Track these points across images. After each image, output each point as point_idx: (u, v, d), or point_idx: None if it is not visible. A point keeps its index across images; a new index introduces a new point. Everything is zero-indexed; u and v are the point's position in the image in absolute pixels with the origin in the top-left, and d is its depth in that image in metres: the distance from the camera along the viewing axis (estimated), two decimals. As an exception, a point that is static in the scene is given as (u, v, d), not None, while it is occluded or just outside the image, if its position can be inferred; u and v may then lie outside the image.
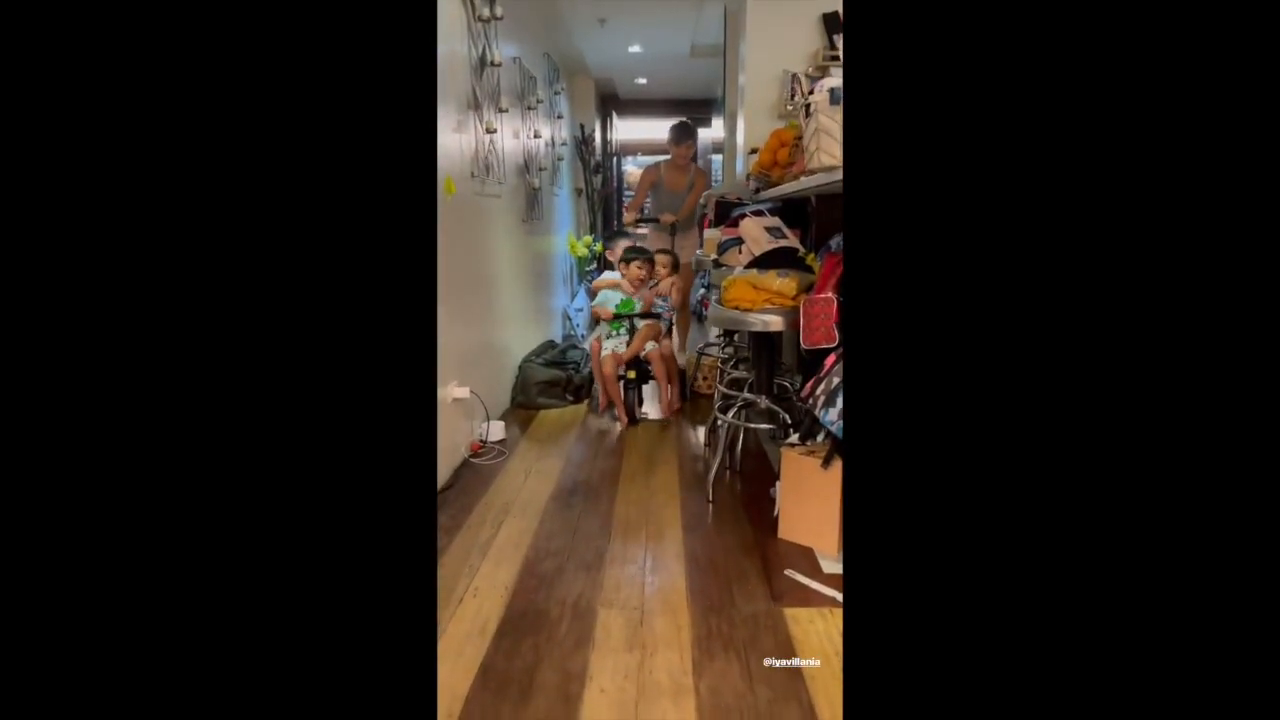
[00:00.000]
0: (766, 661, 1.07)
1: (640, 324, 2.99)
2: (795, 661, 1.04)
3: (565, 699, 1.18)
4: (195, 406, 0.54)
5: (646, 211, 3.92)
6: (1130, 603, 0.52)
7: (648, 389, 3.05)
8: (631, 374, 2.92)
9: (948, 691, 0.55)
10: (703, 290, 4.36)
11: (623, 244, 3.63)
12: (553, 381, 3.06)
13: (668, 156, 3.86)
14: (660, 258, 3.25)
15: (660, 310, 3.18)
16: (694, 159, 3.88)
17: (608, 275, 3.35)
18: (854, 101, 0.61)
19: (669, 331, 3.15)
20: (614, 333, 3.07)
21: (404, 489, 0.58)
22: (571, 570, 1.63)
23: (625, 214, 3.79)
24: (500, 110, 2.86)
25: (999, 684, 0.54)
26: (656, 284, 3.18)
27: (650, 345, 2.96)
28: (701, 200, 3.63)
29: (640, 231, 4.04)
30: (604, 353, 3.00)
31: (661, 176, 3.87)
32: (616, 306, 3.06)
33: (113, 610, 0.52)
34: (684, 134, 3.75)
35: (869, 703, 0.57)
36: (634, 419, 2.90)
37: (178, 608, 0.53)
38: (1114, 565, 0.52)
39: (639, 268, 3.09)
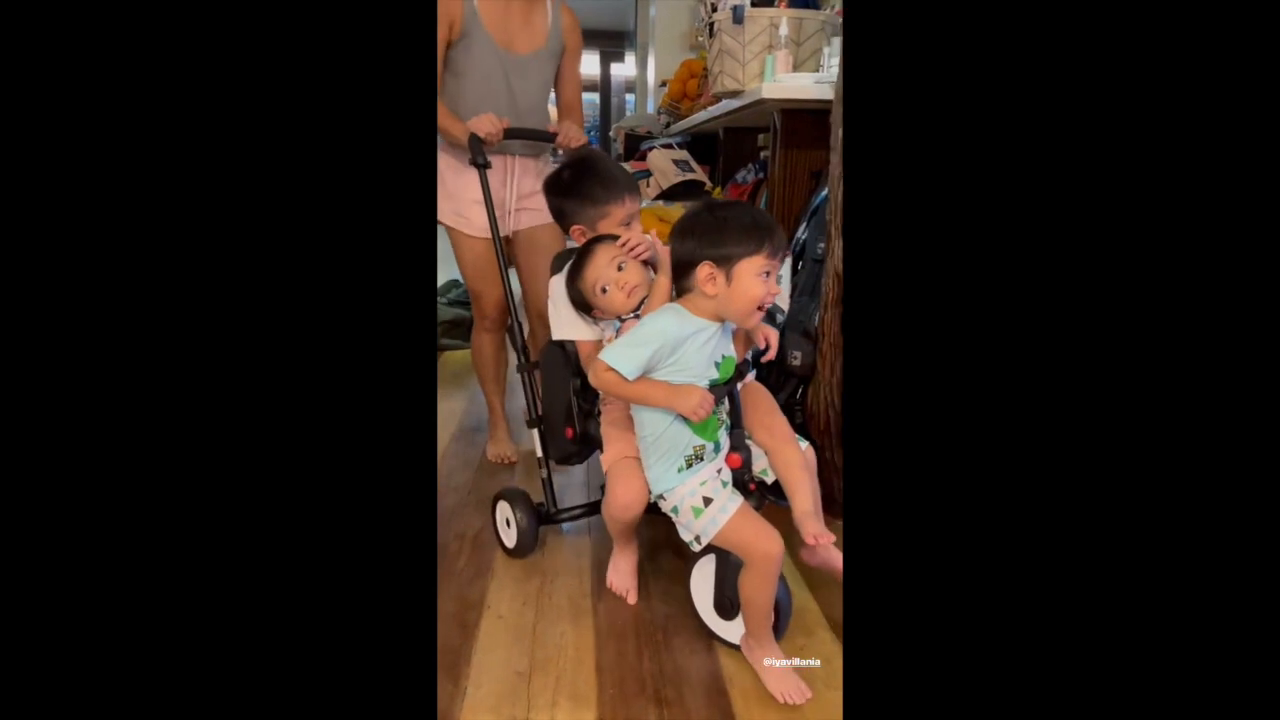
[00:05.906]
0: (767, 661, 1.03)
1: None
2: (795, 662, 1.04)
3: (462, 627, 1.16)
4: (198, 362, 0.53)
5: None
6: (1137, 599, 0.50)
7: None
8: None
9: (945, 659, 0.53)
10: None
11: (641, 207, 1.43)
12: (456, 321, 2.95)
13: None
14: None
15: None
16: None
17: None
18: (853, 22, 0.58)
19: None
20: (707, 447, 1.05)
21: (403, 433, 0.57)
22: (472, 506, 1.60)
23: (445, 119, 1.49)
24: (392, 25, 2.64)
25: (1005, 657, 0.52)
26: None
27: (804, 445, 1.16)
28: (611, 134, 3.40)
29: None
30: (722, 509, 1.01)
31: (474, 7, 1.52)
32: (714, 380, 1.04)
33: (117, 563, 0.52)
34: None
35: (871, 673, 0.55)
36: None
37: (176, 563, 0.53)
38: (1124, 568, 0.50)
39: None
